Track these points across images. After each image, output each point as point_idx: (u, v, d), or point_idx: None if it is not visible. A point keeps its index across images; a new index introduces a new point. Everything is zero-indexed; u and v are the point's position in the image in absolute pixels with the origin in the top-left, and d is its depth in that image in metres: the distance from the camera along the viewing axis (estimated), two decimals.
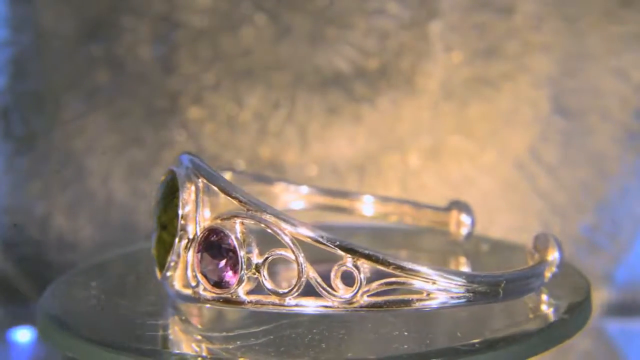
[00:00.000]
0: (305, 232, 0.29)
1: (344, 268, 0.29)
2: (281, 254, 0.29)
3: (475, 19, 0.49)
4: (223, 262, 0.29)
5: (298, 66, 0.49)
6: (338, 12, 0.49)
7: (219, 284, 0.29)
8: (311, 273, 0.29)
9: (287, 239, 0.29)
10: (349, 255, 0.28)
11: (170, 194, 0.31)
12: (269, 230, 0.29)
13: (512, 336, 0.29)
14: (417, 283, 0.29)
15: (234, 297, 0.29)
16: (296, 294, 0.29)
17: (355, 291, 0.29)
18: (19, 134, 0.49)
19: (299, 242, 0.29)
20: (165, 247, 0.31)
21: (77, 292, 0.35)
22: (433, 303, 0.29)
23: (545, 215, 0.50)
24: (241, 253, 0.29)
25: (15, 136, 0.49)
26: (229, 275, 0.29)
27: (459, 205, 0.39)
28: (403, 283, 0.29)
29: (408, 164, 0.50)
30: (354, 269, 0.29)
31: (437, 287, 0.29)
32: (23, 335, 0.47)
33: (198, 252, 0.30)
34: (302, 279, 0.29)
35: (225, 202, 0.30)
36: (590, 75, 0.49)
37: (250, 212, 0.29)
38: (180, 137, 0.49)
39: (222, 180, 0.30)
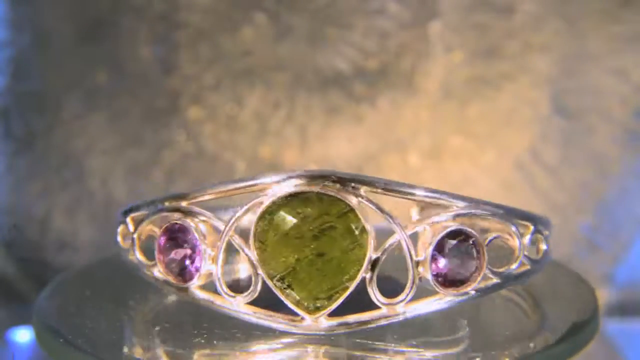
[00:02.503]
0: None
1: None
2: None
3: (475, 19, 0.49)
4: (469, 260, 0.30)
5: (298, 66, 0.49)
6: (338, 12, 0.49)
7: (454, 282, 0.30)
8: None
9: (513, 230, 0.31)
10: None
11: (315, 219, 0.30)
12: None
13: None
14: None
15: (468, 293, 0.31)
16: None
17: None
18: (19, 134, 0.49)
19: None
20: (330, 277, 0.30)
21: (73, 298, 0.34)
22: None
23: (545, 215, 0.50)
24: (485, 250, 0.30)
25: (15, 136, 0.49)
26: (467, 273, 0.30)
27: None
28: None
29: (408, 164, 0.50)
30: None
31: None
32: (23, 335, 0.47)
33: (435, 258, 0.30)
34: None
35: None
36: (590, 75, 0.49)
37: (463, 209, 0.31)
38: (180, 137, 0.49)
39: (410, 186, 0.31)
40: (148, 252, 0.32)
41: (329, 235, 0.30)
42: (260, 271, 0.30)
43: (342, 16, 0.49)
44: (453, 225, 0.30)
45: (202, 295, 0.31)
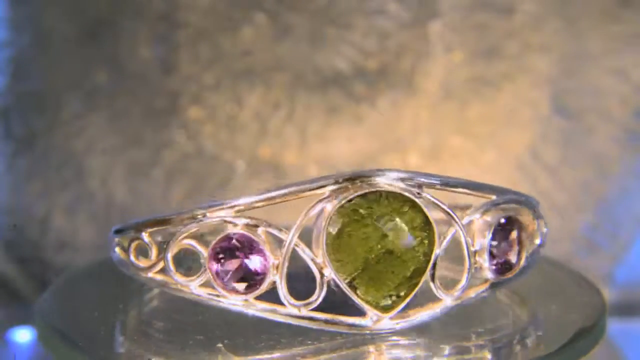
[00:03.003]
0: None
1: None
2: None
3: (475, 19, 0.49)
4: (518, 247, 0.32)
5: (298, 66, 0.49)
6: (338, 12, 0.49)
7: (506, 269, 0.32)
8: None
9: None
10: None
11: (381, 218, 0.30)
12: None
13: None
14: None
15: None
16: None
17: None
18: (19, 134, 0.49)
19: None
20: (398, 274, 0.30)
21: (74, 298, 0.34)
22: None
23: (545, 215, 0.50)
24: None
25: (15, 136, 0.49)
26: (515, 259, 0.32)
27: None
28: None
29: (408, 164, 0.50)
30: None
31: None
32: (23, 335, 0.47)
33: (493, 246, 0.31)
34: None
35: None
36: (590, 75, 0.49)
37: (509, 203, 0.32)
38: (180, 137, 0.49)
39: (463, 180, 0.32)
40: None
41: (396, 233, 0.30)
42: (326, 274, 0.30)
43: (342, 16, 0.49)
44: (502, 214, 0.31)
45: (261, 306, 0.30)
